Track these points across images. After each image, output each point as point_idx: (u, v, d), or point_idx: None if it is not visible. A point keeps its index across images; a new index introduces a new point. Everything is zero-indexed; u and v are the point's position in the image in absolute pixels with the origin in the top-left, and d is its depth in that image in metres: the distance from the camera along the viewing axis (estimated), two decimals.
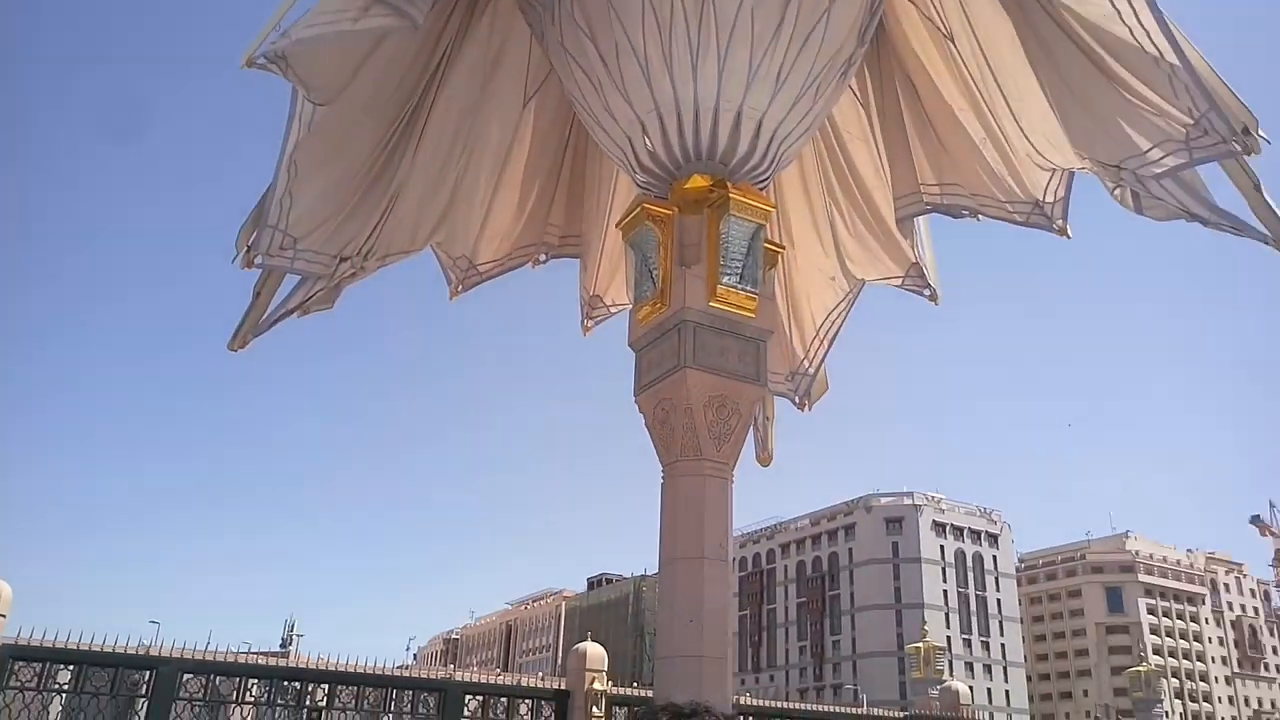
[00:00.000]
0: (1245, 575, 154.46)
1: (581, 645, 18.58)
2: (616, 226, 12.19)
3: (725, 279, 10.95)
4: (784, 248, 13.43)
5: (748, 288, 11.11)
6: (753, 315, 11.10)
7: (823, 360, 15.91)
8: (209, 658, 13.95)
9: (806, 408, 16.08)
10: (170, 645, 14.28)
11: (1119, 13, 10.13)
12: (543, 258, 15.55)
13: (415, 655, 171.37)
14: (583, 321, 16.07)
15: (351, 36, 10.79)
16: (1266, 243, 10.97)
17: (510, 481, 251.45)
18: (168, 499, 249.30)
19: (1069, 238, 13.48)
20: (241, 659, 14.82)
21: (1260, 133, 10.25)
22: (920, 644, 48.09)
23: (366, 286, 13.68)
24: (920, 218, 14.86)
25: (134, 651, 14.09)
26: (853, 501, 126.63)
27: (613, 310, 15.96)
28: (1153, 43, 10.11)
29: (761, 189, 11.68)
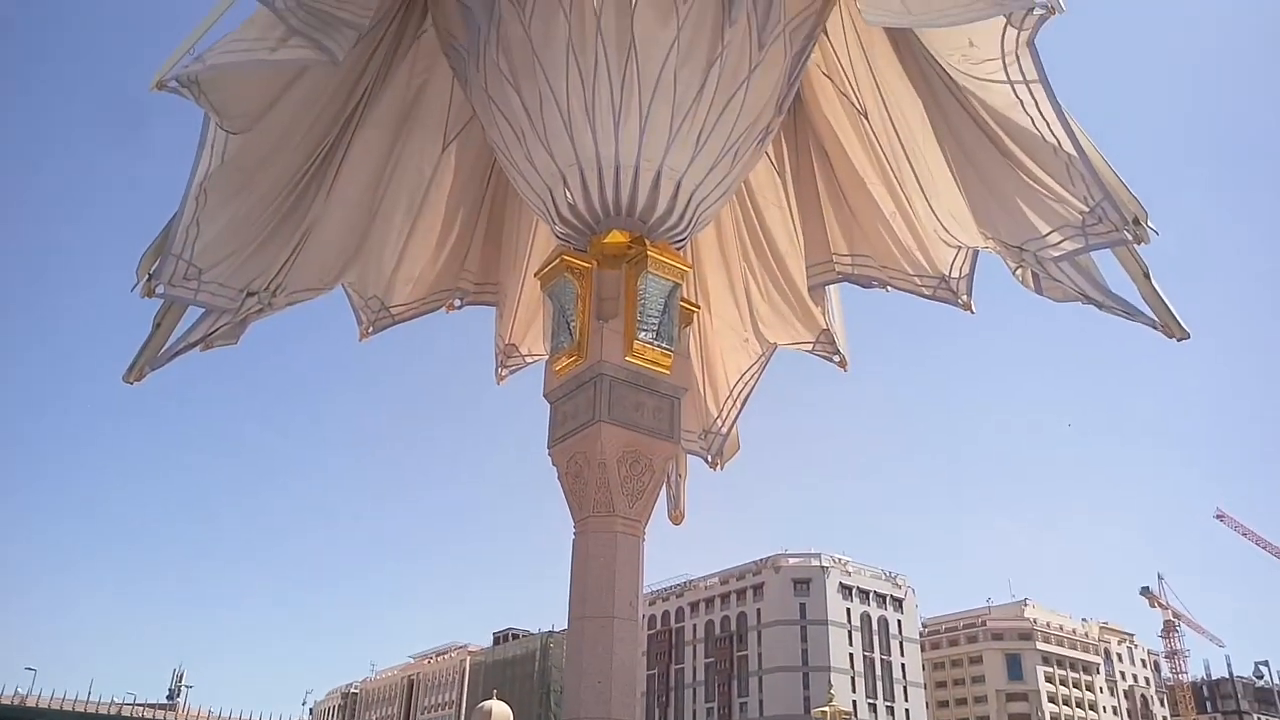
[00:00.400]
0: (1137, 645, 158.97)
1: (486, 703, 18.29)
2: (535, 276, 12.20)
3: (642, 334, 11.07)
4: (699, 307, 13.65)
5: (664, 344, 11.24)
6: (668, 372, 11.21)
7: (735, 420, 16.11)
8: (90, 709, 13.29)
9: (719, 466, 16.22)
10: (49, 695, 13.59)
11: (1021, 102, 10.64)
12: (457, 303, 15.43)
13: (311, 710, 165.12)
14: (497, 370, 15.96)
15: (269, 67, 10.69)
16: (1155, 328, 11.57)
17: (415, 529, 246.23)
18: (44, 535, 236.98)
19: (973, 313, 14.03)
20: (125, 710, 14.16)
21: (1150, 224, 10.89)
22: (827, 708, 48.36)
23: (276, 319, 13.39)
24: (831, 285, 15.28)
25: (7, 701, 13.37)
26: (761, 561, 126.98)
27: (528, 360, 15.91)
28: (1051, 133, 10.62)
29: (679, 248, 11.89)
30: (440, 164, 14.22)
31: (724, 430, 16.07)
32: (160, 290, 11.31)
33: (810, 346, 15.64)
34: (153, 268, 11.22)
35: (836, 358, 15.60)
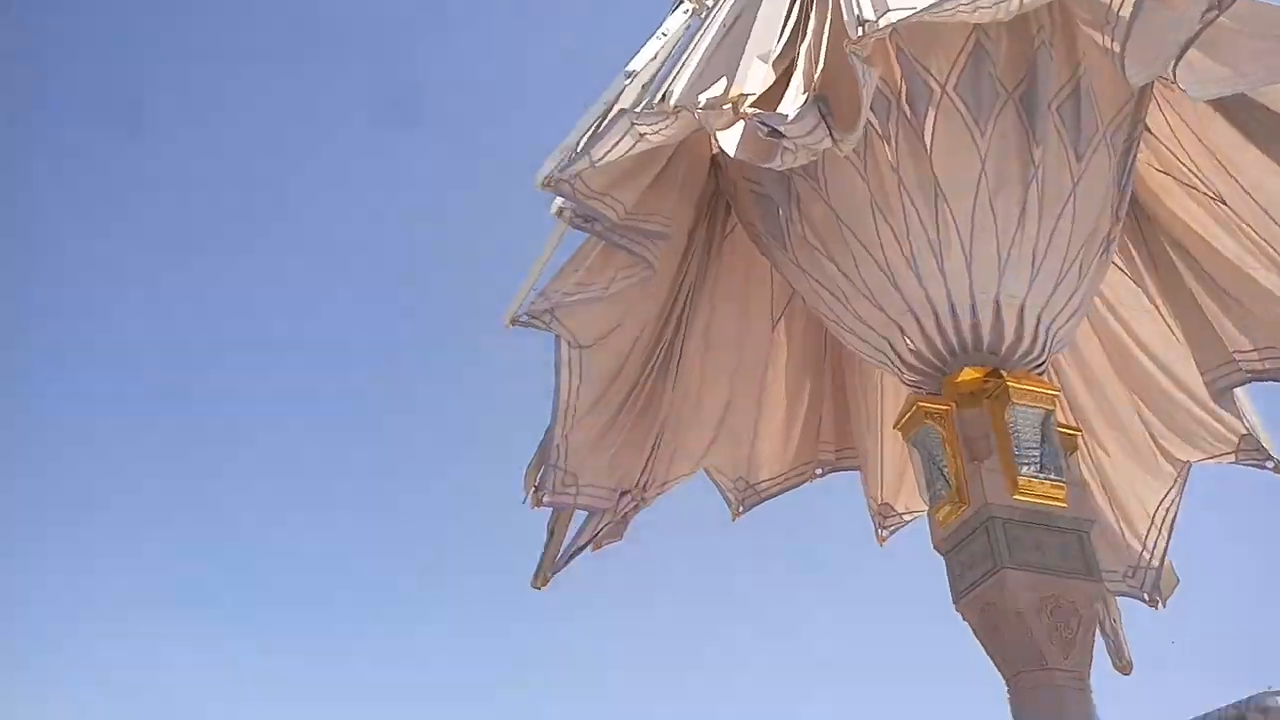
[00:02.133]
0: None
1: None
2: (895, 428, 11.88)
3: (1024, 470, 10.33)
4: (1080, 431, 12.64)
5: (1052, 476, 10.42)
6: (1065, 505, 10.30)
7: (1165, 550, 14.32)
8: None
9: (1160, 604, 14.38)
10: None
11: None
12: (819, 472, 15.54)
13: None
14: (877, 532, 15.61)
15: (605, 303, 11.87)
16: None
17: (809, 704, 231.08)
18: None
19: None
20: None
21: None
22: None
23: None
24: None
25: None
26: (1242, 704, 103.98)
27: (906, 518, 15.44)
28: None
29: (1039, 374, 11.17)
30: (772, 344, 14.71)
31: (1155, 563, 14.31)
32: (547, 500, 12.55)
33: (1232, 457, 13.75)
34: (536, 480, 12.58)
35: (1270, 464, 13.56)
